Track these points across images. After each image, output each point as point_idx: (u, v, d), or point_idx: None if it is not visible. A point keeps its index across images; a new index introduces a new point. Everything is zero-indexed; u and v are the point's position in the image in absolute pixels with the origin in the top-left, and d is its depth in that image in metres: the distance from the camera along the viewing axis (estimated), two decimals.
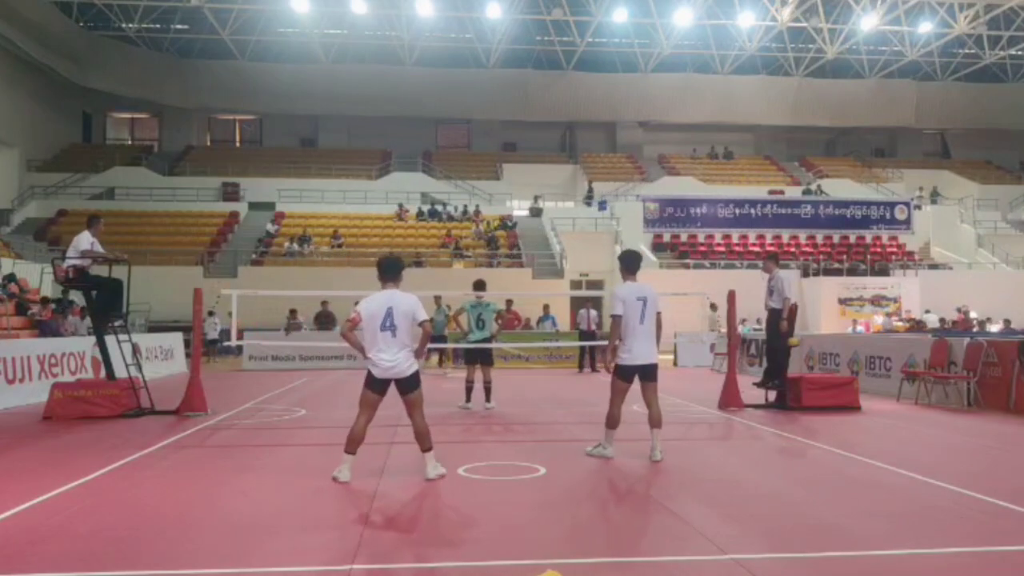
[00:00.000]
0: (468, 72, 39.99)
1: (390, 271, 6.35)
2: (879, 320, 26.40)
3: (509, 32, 37.34)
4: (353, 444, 6.20)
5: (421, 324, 6.22)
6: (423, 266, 28.46)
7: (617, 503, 5.63)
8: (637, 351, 7.08)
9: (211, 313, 22.06)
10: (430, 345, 18.74)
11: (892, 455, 7.22)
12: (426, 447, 6.28)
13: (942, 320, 25.21)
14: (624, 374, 7.15)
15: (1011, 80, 42.68)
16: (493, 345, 11.75)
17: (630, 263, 7.36)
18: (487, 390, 11.21)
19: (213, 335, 22.19)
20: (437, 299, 18.13)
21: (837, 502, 5.55)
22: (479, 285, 11.40)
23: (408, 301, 6.18)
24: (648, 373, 7.18)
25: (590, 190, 37.01)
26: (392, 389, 6.27)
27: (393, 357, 6.11)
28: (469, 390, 11.38)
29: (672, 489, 5.95)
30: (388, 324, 6.09)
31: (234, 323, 12.32)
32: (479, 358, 11.29)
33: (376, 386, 6.24)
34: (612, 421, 7.18)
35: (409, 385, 6.21)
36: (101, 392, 10.20)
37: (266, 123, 42.50)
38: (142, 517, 5.10)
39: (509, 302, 20.63)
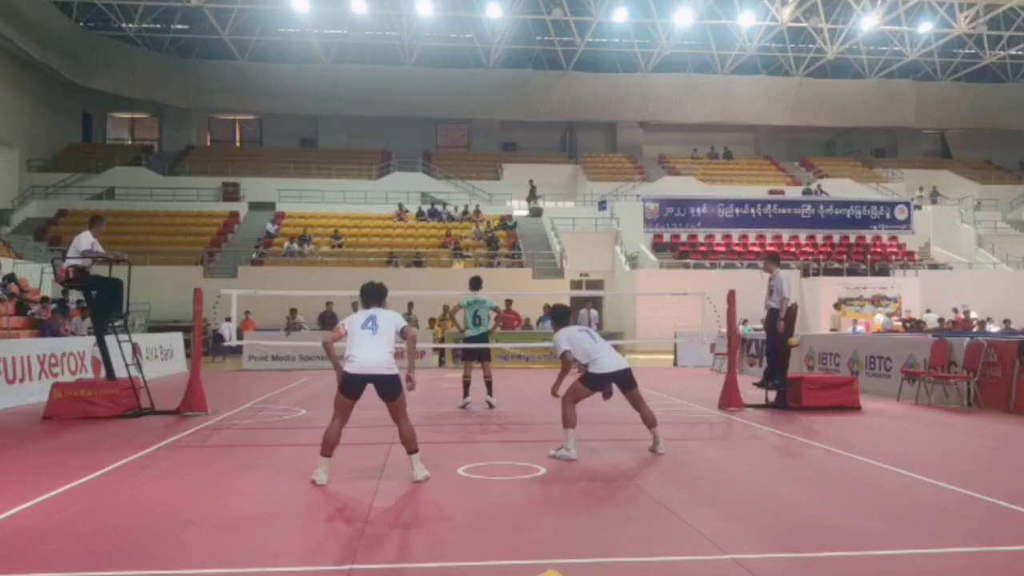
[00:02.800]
0: (468, 72, 39.98)
1: (373, 298, 6.39)
2: (880, 319, 26.36)
3: (509, 32, 37.33)
4: (328, 447, 6.14)
5: (403, 330, 6.18)
6: (423, 266, 28.47)
7: (617, 503, 5.63)
8: (607, 362, 7.30)
9: (228, 319, 22.10)
10: (432, 345, 18.49)
11: (892, 455, 7.22)
12: (412, 449, 6.24)
13: (941, 320, 25.20)
14: (593, 383, 7.34)
15: (1011, 80, 42.66)
16: (492, 345, 11.81)
17: (562, 317, 7.85)
18: (488, 385, 11.23)
19: (224, 333, 22.20)
20: (410, 306, 18.59)
21: (837, 502, 5.55)
22: (475, 282, 11.49)
23: (392, 314, 6.29)
24: (626, 380, 7.38)
25: (533, 190, 36.10)
26: (371, 394, 6.14)
27: (372, 353, 6.02)
28: (467, 386, 11.39)
29: (672, 489, 5.94)
30: (370, 324, 6.11)
31: (234, 323, 12.34)
32: (477, 355, 11.35)
33: (350, 390, 6.12)
34: (569, 421, 7.30)
35: (389, 390, 6.10)
36: (101, 392, 10.20)
37: (266, 123, 42.50)
38: (142, 517, 5.10)
39: (509, 302, 20.74)
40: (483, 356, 11.32)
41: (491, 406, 11.03)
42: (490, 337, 11.80)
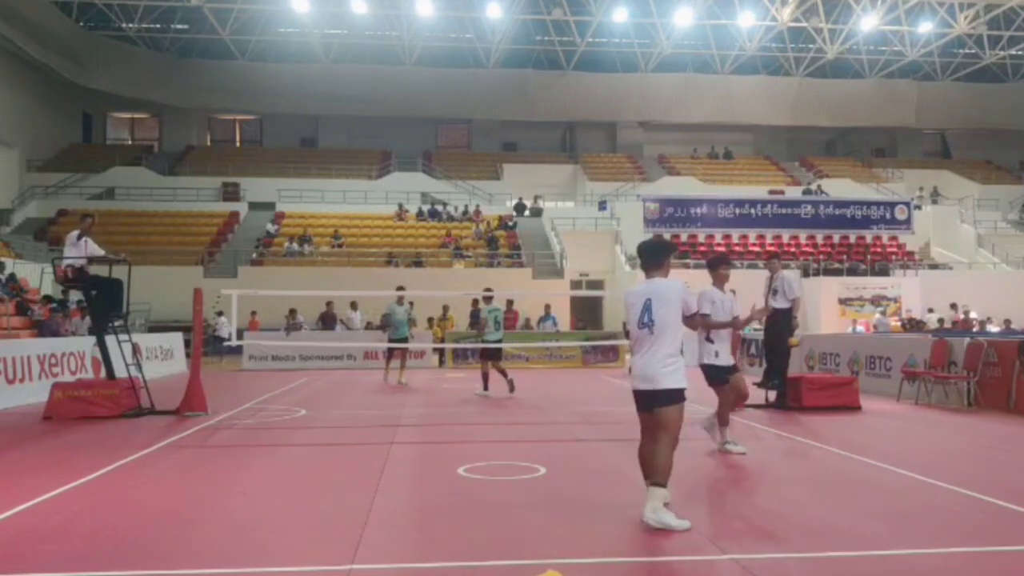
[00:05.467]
0: (468, 72, 39.98)
1: (649, 260, 5.24)
2: (876, 319, 26.30)
3: (509, 32, 37.33)
4: (645, 469, 5.10)
5: (691, 317, 5.14)
6: (423, 266, 28.46)
7: (617, 503, 5.62)
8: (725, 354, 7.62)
9: (220, 313, 22.09)
10: (432, 345, 18.22)
11: (892, 455, 7.22)
12: (654, 481, 4.96)
13: (940, 320, 25.18)
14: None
15: (1011, 80, 42.65)
16: (493, 345, 12.59)
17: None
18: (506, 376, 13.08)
19: (223, 334, 22.22)
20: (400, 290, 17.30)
21: (837, 502, 5.55)
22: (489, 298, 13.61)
23: (672, 291, 5.05)
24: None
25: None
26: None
27: (646, 362, 4.99)
28: (486, 378, 13.03)
29: (672, 489, 5.93)
30: (646, 319, 5.00)
31: (234, 323, 12.34)
32: (495, 354, 13.19)
33: (637, 404, 5.13)
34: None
35: (659, 400, 4.98)
36: (101, 392, 10.21)
37: (266, 123, 42.49)
38: (142, 517, 5.10)
39: (510, 302, 21.01)
40: (499, 355, 13.33)
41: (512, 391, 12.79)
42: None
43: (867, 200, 33.80)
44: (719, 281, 7.61)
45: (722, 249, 31.20)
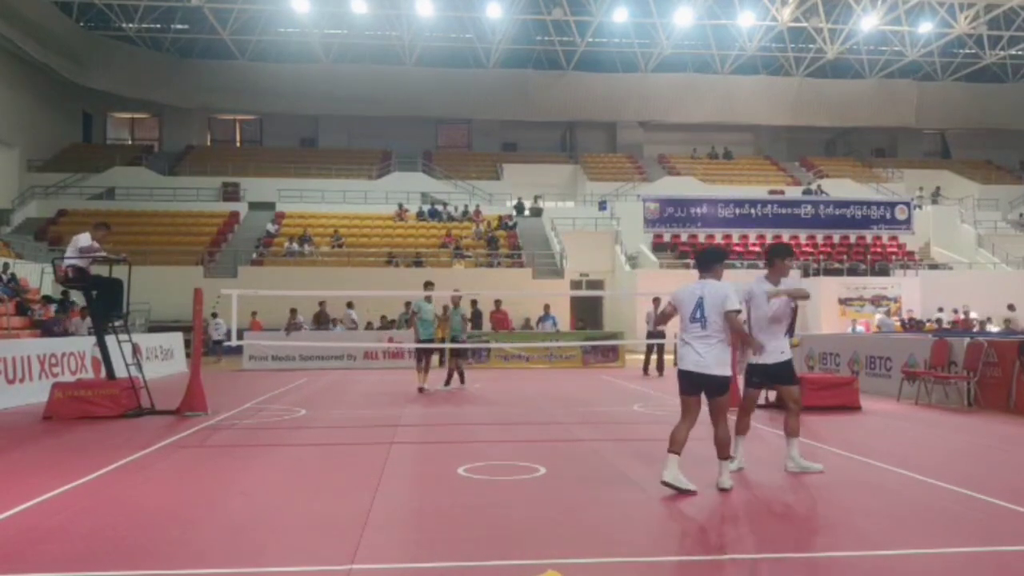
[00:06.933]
0: (468, 72, 39.99)
1: (705, 264, 6.00)
2: (878, 319, 26.29)
3: (509, 32, 37.34)
4: (675, 444, 5.75)
5: (727, 314, 5.68)
6: (423, 266, 28.46)
7: (617, 503, 5.62)
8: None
9: (215, 315, 22.06)
10: (433, 345, 18.53)
11: (892, 455, 7.22)
12: (723, 456, 5.87)
13: (939, 321, 25.16)
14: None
15: (1011, 80, 42.67)
16: (493, 345, 12.78)
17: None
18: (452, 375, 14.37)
19: (217, 336, 22.20)
20: (407, 306, 17.54)
21: (837, 502, 5.55)
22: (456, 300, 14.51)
23: (721, 291, 5.75)
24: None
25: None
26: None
27: (701, 352, 5.71)
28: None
29: (672, 489, 5.94)
30: (699, 315, 5.74)
31: (234, 323, 12.33)
32: (454, 352, 14.49)
33: (686, 387, 5.82)
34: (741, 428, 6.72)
35: (715, 389, 5.78)
36: (101, 392, 10.20)
37: (266, 123, 42.51)
38: (142, 517, 5.10)
39: (498, 302, 21.28)
40: (456, 353, 14.41)
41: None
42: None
43: (867, 200, 33.81)
44: (776, 274, 6.67)
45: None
